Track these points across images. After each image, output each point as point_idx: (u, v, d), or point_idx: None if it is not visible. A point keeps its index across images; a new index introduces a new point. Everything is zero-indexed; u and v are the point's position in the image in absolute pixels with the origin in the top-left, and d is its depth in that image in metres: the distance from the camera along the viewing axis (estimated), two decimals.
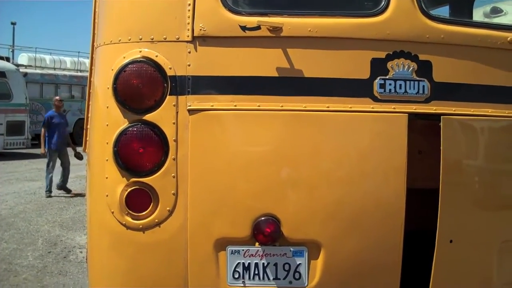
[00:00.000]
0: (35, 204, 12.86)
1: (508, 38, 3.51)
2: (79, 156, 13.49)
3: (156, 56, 3.30)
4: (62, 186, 14.35)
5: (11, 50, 40.12)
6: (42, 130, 14.49)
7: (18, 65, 27.08)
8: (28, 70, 28.28)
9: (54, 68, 32.06)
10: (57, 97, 15.12)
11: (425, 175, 3.66)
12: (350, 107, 3.34)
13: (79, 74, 31.47)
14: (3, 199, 13.38)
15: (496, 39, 3.51)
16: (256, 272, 3.36)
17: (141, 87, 3.30)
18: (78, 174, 15.84)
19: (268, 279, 3.36)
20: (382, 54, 3.38)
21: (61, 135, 14.20)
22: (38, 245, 9.33)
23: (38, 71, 29.72)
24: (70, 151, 14.42)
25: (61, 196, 13.82)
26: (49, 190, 13.92)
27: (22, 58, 32.24)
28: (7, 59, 26.53)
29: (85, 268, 6.91)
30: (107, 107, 3.36)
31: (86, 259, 3.75)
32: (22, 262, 8.28)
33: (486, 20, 5.31)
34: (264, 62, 3.33)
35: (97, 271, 3.55)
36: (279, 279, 3.36)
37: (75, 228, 10.50)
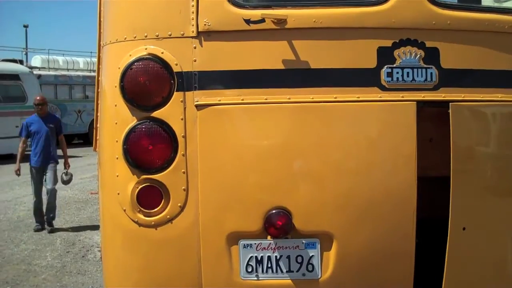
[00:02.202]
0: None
1: None
2: (64, 179, 10.50)
3: (162, 52, 3.31)
4: (48, 220, 10.47)
5: (24, 52, 40.46)
6: (21, 140, 10.84)
7: (31, 68, 27.22)
8: (42, 72, 28.39)
9: (68, 69, 32.14)
10: (38, 96, 11.04)
11: (437, 163, 3.63)
12: (358, 97, 3.33)
13: (93, 74, 31.52)
14: (21, 200, 13.48)
15: (504, 23, 3.47)
16: (269, 265, 3.36)
17: (148, 84, 3.31)
18: (95, 174, 15.90)
19: (281, 272, 3.36)
20: (388, 43, 3.36)
21: (45, 147, 10.33)
22: (57, 245, 9.41)
23: (52, 72, 29.81)
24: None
25: (78, 196, 13.89)
26: (39, 225, 10.42)
27: (36, 60, 32.35)
28: (21, 62, 26.65)
29: None
30: (115, 106, 3.38)
31: (101, 257, 3.77)
32: (41, 263, 8.36)
33: (496, 4, 5.26)
34: (269, 55, 3.33)
35: (111, 269, 3.58)
36: (292, 271, 3.36)
37: (93, 227, 10.56)
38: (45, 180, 10.37)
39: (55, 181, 10.41)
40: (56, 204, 10.72)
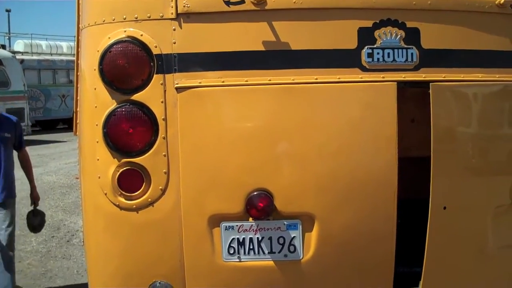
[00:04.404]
0: (37, 190, 12.89)
1: (496, 1, 3.46)
2: (32, 222, 6.51)
3: (141, 35, 3.28)
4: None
5: (7, 37, 40.01)
6: None
7: (14, 52, 26.94)
8: (25, 57, 28.15)
9: (51, 54, 31.85)
10: None
11: (418, 143, 3.64)
12: (339, 78, 3.32)
13: None
14: None
15: (484, 3, 3.46)
16: (251, 247, 3.37)
17: (127, 67, 3.29)
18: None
19: (264, 253, 3.37)
20: (369, 23, 3.35)
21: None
22: (42, 230, 9.35)
23: (35, 57, 29.54)
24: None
25: (63, 181, 13.82)
26: None
27: (18, 45, 32.04)
28: (3, 47, 26.38)
29: None
30: (95, 89, 3.35)
31: (83, 242, 3.76)
32: (26, 248, 8.35)
33: None
34: (250, 36, 3.31)
35: (93, 253, 3.57)
36: (274, 252, 3.37)
37: (78, 212, 10.52)
38: None
39: (10, 225, 5.99)
40: (15, 263, 6.31)
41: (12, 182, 6.11)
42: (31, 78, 26.65)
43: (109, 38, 3.30)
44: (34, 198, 6.48)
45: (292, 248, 3.37)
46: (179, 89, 3.28)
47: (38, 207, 6.56)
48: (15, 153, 6.24)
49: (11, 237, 5.95)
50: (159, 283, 3.39)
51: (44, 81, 28.65)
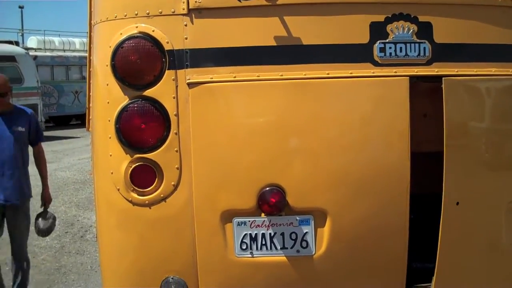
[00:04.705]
0: (51, 185, 12.66)
1: None
2: (40, 226, 6.04)
3: (153, 30, 3.29)
4: None
5: (20, 34, 40.27)
6: None
7: (27, 49, 27.10)
8: (38, 53, 28.29)
9: (64, 50, 31.94)
10: None
11: (431, 138, 3.62)
12: (351, 73, 3.31)
13: None
14: None
15: None
16: (264, 243, 3.37)
17: (139, 63, 3.30)
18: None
19: (276, 249, 3.37)
20: (381, 18, 3.33)
21: (9, 168, 5.63)
22: (55, 226, 9.41)
23: (48, 53, 29.68)
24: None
25: (76, 177, 13.88)
26: None
27: (31, 42, 32.16)
28: (17, 43, 26.49)
29: None
30: (107, 85, 3.36)
31: (97, 237, 3.78)
32: (40, 244, 8.37)
33: None
34: (261, 32, 3.31)
35: (106, 249, 3.59)
36: (287, 248, 3.37)
37: (91, 207, 10.55)
38: (10, 230, 5.86)
39: (25, 231, 5.97)
40: (30, 268, 6.23)
41: (27, 180, 5.86)
42: (44, 74, 26.79)
43: (121, 34, 3.31)
44: (46, 199, 6.10)
45: (304, 244, 3.37)
46: (191, 85, 3.29)
47: (49, 208, 6.23)
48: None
49: (25, 236, 5.96)
50: (172, 278, 3.41)
51: (57, 77, 28.77)
